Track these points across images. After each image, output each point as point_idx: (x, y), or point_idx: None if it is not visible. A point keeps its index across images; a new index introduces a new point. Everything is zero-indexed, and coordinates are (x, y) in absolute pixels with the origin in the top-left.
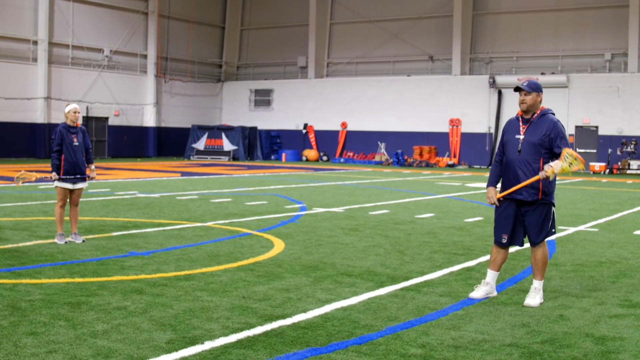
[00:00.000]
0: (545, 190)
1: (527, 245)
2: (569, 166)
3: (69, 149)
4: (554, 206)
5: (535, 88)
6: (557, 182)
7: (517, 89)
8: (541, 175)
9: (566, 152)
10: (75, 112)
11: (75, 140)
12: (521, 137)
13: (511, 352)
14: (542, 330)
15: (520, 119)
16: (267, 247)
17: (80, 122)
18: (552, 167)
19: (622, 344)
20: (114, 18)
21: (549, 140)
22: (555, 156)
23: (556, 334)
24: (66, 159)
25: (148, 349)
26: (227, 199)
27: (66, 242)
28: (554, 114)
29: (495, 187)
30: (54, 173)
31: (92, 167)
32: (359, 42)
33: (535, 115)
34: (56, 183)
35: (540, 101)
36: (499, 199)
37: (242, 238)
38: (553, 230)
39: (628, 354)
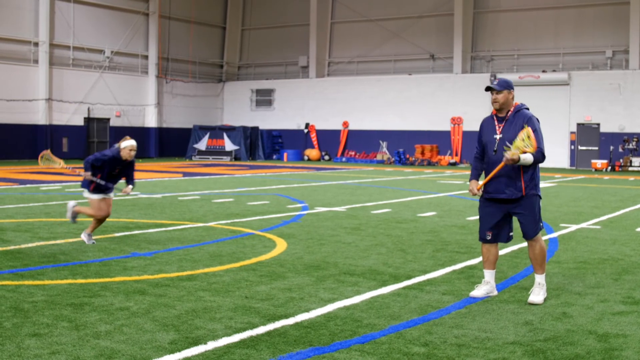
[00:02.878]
0: (528, 185)
1: (525, 243)
2: (522, 141)
3: (105, 176)
4: (540, 198)
5: (506, 86)
6: (557, 180)
7: (488, 89)
8: (504, 161)
9: (523, 131)
10: (131, 150)
11: (117, 170)
12: (498, 136)
13: (514, 350)
14: (545, 328)
15: (495, 118)
16: (270, 247)
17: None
18: (509, 148)
19: (625, 341)
20: (114, 19)
21: None
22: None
23: (559, 332)
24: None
25: (151, 350)
26: (229, 199)
27: (94, 243)
28: (528, 109)
29: (477, 181)
30: (89, 172)
31: (131, 187)
32: (359, 41)
33: (510, 112)
34: (87, 194)
35: (513, 98)
36: (480, 190)
37: (245, 238)
38: (540, 224)
39: (631, 351)
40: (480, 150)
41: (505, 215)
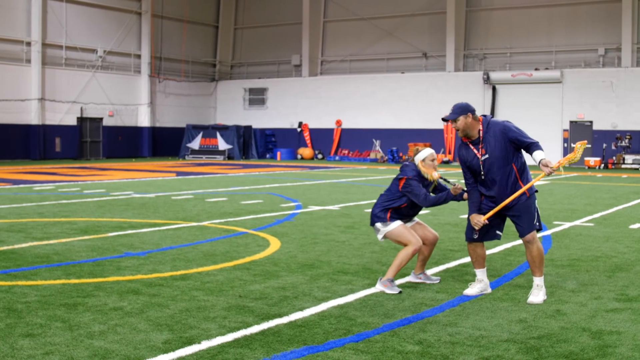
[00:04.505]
0: (526, 185)
1: (520, 241)
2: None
3: (412, 204)
4: (537, 191)
5: (460, 112)
6: (550, 178)
7: (445, 120)
8: (546, 171)
9: (579, 144)
10: (433, 160)
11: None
12: (481, 159)
13: (508, 348)
14: (538, 326)
15: (469, 144)
16: (263, 246)
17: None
18: (561, 161)
19: (619, 338)
20: (107, 18)
21: (510, 142)
22: (526, 151)
23: (553, 329)
24: (405, 209)
25: (145, 350)
26: (223, 198)
27: (400, 292)
28: (492, 117)
29: (478, 213)
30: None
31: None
32: (352, 40)
33: (482, 130)
34: (384, 228)
35: (475, 118)
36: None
37: (238, 237)
38: (538, 223)
39: (625, 348)
40: (472, 177)
41: (496, 215)
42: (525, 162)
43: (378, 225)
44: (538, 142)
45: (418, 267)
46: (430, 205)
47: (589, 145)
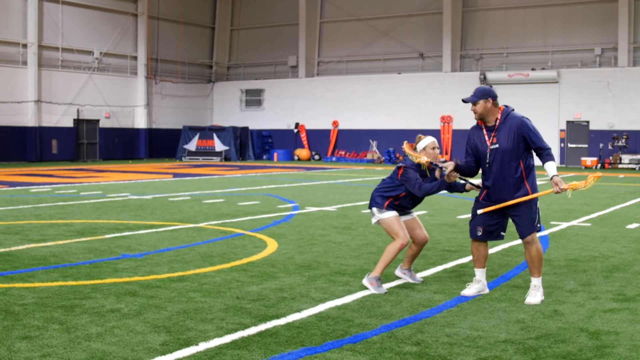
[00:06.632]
0: (532, 187)
1: (519, 241)
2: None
3: (411, 194)
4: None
5: (482, 95)
6: (547, 178)
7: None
8: (556, 189)
9: (592, 177)
10: (434, 148)
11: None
12: (490, 147)
13: (506, 348)
14: (536, 326)
15: (483, 128)
16: (260, 247)
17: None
18: (572, 185)
19: (616, 338)
20: (103, 20)
21: (523, 139)
22: (537, 155)
23: (551, 330)
24: (404, 199)
25: (142, 351)
26: (220, 199)
27: (386, 292)
28: (513, 110)
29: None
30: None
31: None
32: (349, 41)
33: (499, 119)
34: (379, 214)
35: (495, 105)
36: (483, 210)
37: (235, 238)
38: (539, 225)
39: (623, 348)
40: (474, 162)
41: (500, 215)
42: (534, 165)
43: (374, 210)
44: (550, 150)
45: (405, 262)
46: (425, 193)
47: (585, 146)
